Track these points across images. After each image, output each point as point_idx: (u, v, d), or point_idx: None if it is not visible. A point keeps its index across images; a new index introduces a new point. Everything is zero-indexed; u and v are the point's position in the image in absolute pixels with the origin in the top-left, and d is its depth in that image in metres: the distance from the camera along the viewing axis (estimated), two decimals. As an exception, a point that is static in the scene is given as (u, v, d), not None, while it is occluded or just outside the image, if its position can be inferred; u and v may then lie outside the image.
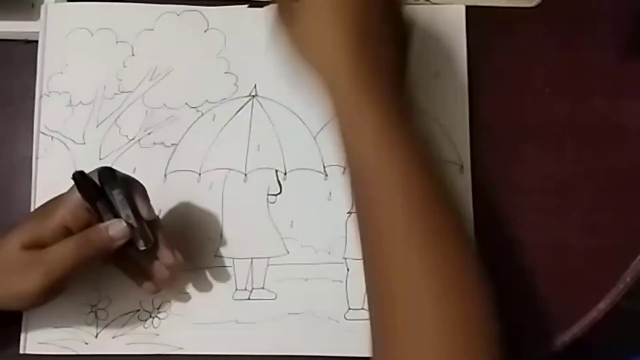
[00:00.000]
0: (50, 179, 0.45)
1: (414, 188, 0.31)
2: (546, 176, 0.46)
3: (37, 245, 0.38)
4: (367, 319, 0.43)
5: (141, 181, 0.45)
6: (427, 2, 0.47)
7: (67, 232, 0.38)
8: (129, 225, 0.39)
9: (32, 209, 0.45)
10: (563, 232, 0.45)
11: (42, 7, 0.47)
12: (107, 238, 0.38)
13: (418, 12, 0.47)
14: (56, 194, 0.40)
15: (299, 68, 0.34)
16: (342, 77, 0.31)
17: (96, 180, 0.38)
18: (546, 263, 0.45)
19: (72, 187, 0.38)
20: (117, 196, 0.38)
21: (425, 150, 0.32)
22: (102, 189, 0.38)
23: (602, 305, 0.44)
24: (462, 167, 0.45)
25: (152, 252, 0.40)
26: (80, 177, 0.36)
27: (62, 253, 0.37)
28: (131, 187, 0.39)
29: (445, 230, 0.31)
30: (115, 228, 0.38)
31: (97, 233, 0.38)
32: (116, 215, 0.39)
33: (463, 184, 0.45)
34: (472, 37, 0.47)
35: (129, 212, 0.39)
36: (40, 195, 0.45)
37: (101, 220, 0.39)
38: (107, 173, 0.38)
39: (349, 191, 0.33)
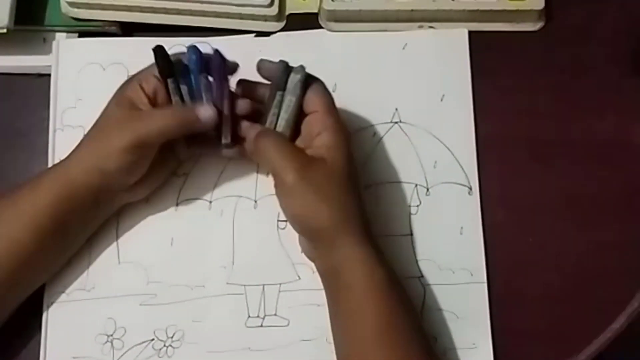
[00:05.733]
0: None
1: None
2: (556, 195, 0.46)
3: (128, 104, 0.41)
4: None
5: (153, 210, 0.46)
6: (431, 27, 0.48)
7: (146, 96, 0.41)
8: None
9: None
10: (575, 252, 0.45)
11: (54, 43, 0.48)
12: (194, 118, 0.41)
13: (422, 36, 0.48)
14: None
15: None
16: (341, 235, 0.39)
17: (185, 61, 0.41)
18: (559, 283, 0.45)
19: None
20: (202, 80, 0.41)
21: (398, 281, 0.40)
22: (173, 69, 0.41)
23: (616, 325, 0.44)
24: (470, 189, 0.46)
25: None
26: (158, 50, 0.40)
27: (151, 117, 0.40)
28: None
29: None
30: (204, 112, 0.41)
31: (186, 111, 0.41)
32: (182, 99, 0.41)
33: (472, 205, 0.45)
34: (476, 61, 0.47)
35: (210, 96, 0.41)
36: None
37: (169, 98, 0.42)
38: (195, 56, 0.41)
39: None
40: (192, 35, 0.48)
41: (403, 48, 0.48)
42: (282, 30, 0.49)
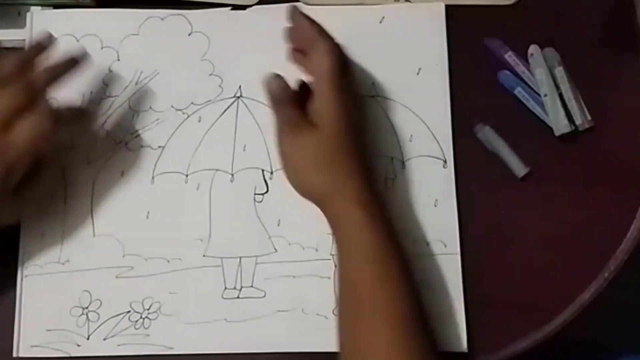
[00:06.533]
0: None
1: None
2: (530, 168, 0.46)
3: None
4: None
5: (129, 183, 0.46)
6: (408, 1, 0.48)
7: None
8: None
9: (22, 230, 0.45)
10: (547, 223, 0.46)
11: (28, 14, 0.48)
12: None
13: (399, 10, 0.48)
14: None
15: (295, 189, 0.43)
16: (332, 201, 0.41)
17: None
18: (530, 254, 0.45)
19: None
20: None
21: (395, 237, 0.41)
22: None
23: (587, 295, 0.45)
24: (445, 161, 0.46)
25: None
26: None
27: None
28: None
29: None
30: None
31: None
32: None
33: (446, 178, 0.46)
34: (453, 35, 0.47)
35: None
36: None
37: None
38: None
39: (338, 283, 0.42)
40: (168, 7, 0.48)
41: (380, 22, 0.48)
42: (258, 3, 0.48)
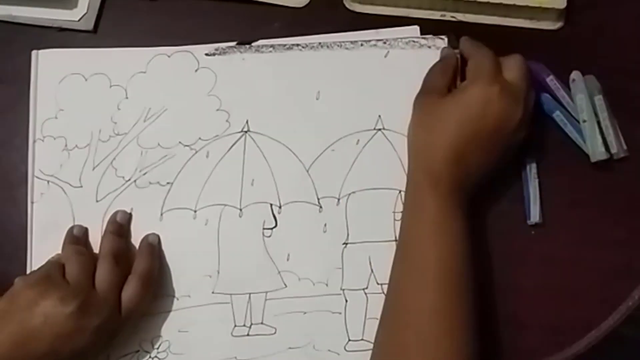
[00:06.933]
0: (47, 223, 0.46)
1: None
2: (559, 191, 0.46)
3: None
4: (367, 350, 0.43)
5: (137, 220, 0.46)
6: (454, 18, 0.48)
7: None
8: None
9: (29, 254, 0.45)
10: (577, 247, 0.45)
11: (33, 54, 0.48)
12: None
13: (403, 44, 0.48)
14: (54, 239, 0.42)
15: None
16: (437, 181, 0.42)
17: None
18: (558, 276, 0.45)
19: None
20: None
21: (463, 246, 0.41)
22: None
23: (611, 321, 0.44)
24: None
25: None
26: None
27: None
28: None
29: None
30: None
31: None
32: None
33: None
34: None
35: None
36: (37, 240, 0.45)
37: None
38: None
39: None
40: (174, 44, 0.48)
41: (385, 56, 0.48)
42: (307, 5, 0.49)
